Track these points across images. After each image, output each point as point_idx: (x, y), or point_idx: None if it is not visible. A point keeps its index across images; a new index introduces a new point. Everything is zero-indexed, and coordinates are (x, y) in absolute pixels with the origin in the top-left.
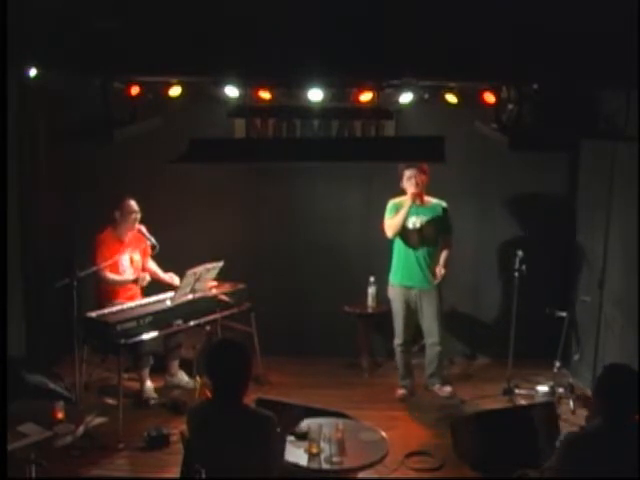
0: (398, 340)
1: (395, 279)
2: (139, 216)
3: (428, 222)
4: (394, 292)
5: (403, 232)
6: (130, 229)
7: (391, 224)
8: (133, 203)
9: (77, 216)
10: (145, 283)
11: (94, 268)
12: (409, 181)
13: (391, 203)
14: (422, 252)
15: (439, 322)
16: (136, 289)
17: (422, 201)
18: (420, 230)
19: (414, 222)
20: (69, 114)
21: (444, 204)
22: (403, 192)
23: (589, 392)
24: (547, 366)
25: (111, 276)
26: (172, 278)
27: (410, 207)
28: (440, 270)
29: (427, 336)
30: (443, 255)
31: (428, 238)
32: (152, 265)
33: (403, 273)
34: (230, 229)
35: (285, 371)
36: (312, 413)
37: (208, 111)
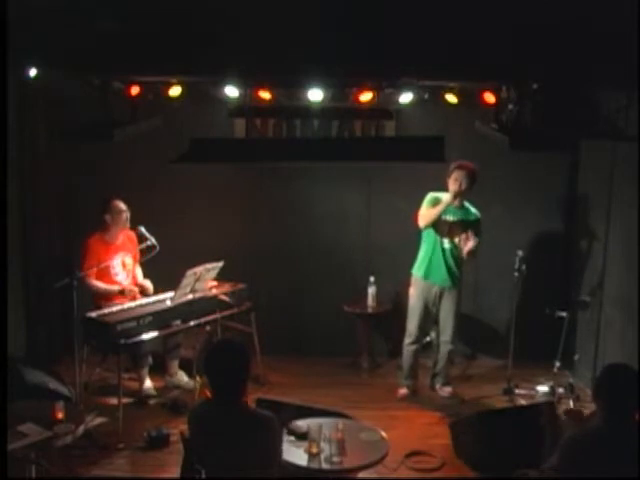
0: (409, 339)
1: (419, 272)
2: (128, 215)
3: (458, 222)
4: (415, 287)
5: (435, 223)
6: (121, 230)
7: (426, 215)
8: (121, 203)
9: (77, 216)
10: (133, 295)
11: (80, 274)
12: (455, 182)
13: (430, 195)
14: (449, 250)
15: (455, 321)
16: (134, 292)
17: (460, 203)
18: (450, 225)
19: (446, 218)
20: (69, 114)
21: (479, 214)
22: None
23: (589, 392)
24: (547, 366)
25: (96, 283)
26: (144, 285)
27: (448, 204)
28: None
29: (441, 334)
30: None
31: (454, 235)
32: (137, 270)
33: (427, 267)
34: (230, 229)
35: (285, 371)
36: (312, 413)
37: (208, 111)
